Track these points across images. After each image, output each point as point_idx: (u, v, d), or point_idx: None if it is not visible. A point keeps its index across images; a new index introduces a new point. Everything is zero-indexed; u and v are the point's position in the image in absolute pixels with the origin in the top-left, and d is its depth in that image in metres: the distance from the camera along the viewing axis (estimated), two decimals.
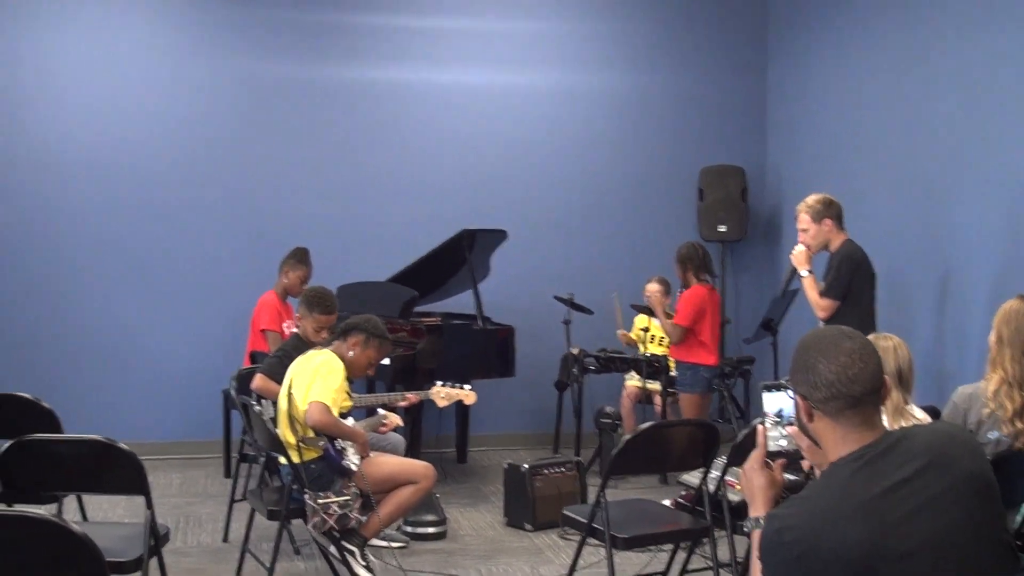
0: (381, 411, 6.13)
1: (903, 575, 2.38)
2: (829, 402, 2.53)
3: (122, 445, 4.22)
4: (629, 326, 8.70)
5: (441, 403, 6.21)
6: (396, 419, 6.10)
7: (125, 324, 8.57)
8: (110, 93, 8.56)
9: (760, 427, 2.86)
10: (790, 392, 2.70)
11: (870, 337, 4.40)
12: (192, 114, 8.72)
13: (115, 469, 4.27)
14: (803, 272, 6.33)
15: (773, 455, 2.83)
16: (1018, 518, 4.33)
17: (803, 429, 2.66)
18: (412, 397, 6.21)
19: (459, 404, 6.27)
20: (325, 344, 5.61)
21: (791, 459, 2.86)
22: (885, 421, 4.12)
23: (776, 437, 2.84)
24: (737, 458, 4.84)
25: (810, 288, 6.28)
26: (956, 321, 7.06)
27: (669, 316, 8.06)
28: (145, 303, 8.61)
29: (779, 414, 2.87)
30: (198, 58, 8.74)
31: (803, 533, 2.42)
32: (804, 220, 6.34)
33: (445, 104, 9.18)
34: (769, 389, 2.86)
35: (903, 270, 7.61)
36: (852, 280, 6.20)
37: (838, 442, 2.55)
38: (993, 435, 4.33)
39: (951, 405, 4.51)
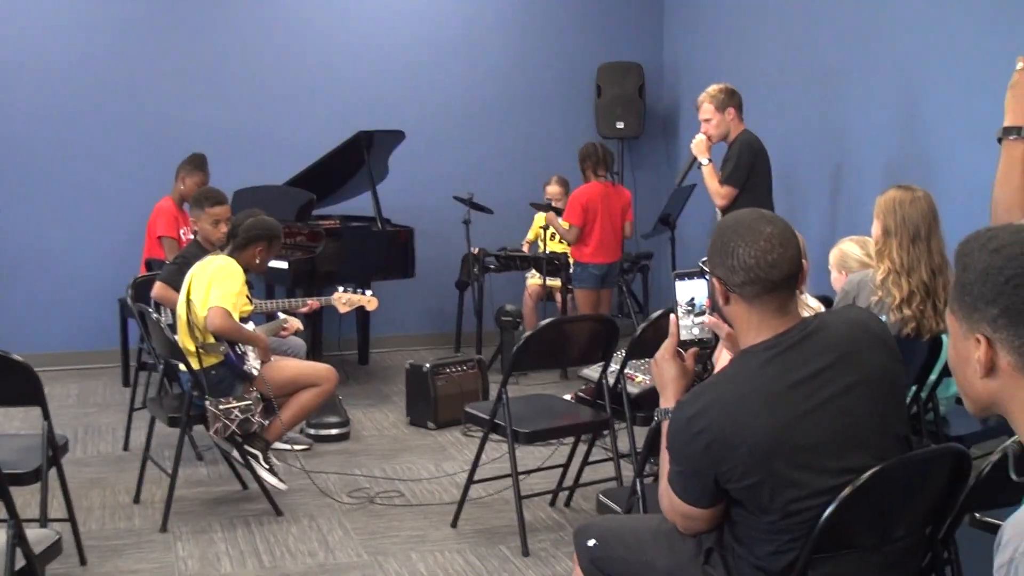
0: (281, 315, 6.10)
1: (804, 465, 2.44)
2: (746, 286, 2.53)
3: (16, 356, 4.14)
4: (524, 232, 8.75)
5: (343, 309, 6.20)
6: (296, 323, 6.07)
7: (17, 233, 8.35)
8: None
9: (672, 316, 2.83)
10: (707, 276, 2.69)
11: None
12: (82, 17, 8.42)
13: (9, 381, 4.19)
14: (703, 160, 6.38)
15: (685, 344, 2.82)
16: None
17: (718, 312, 2.66)
18: (313, 303, 6.18)
19: (361, 307, 6.27)
20: (222, 249, 5.53)
21: (703, 348, 2.87)
22: None
23: (688, 326, 2.81)
24: (636, 351, 4.91)
25: (710, 176, 6.34)
26: (848, 213, 7.21)
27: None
28: (38, 211, 8.39)
29: (691, 303, 2.82)
30: None
31: (712, 422, 2.45)
32: (707, 110, 6.37)
33: (338, 2, 9.01)
34: (681, 278, 2.82)
35: (798, 163, 7.72)
36: (751, 169, 6.27)
37: (752, 328, 2.57)
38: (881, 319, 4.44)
39: (842, 293, 4.61)
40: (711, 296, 2.69)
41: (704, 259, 2.69)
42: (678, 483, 2.58)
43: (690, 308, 2.82)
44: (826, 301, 4.77)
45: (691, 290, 2.82)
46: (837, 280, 4.84)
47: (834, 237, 7.25)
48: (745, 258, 2.52)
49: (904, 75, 6.74)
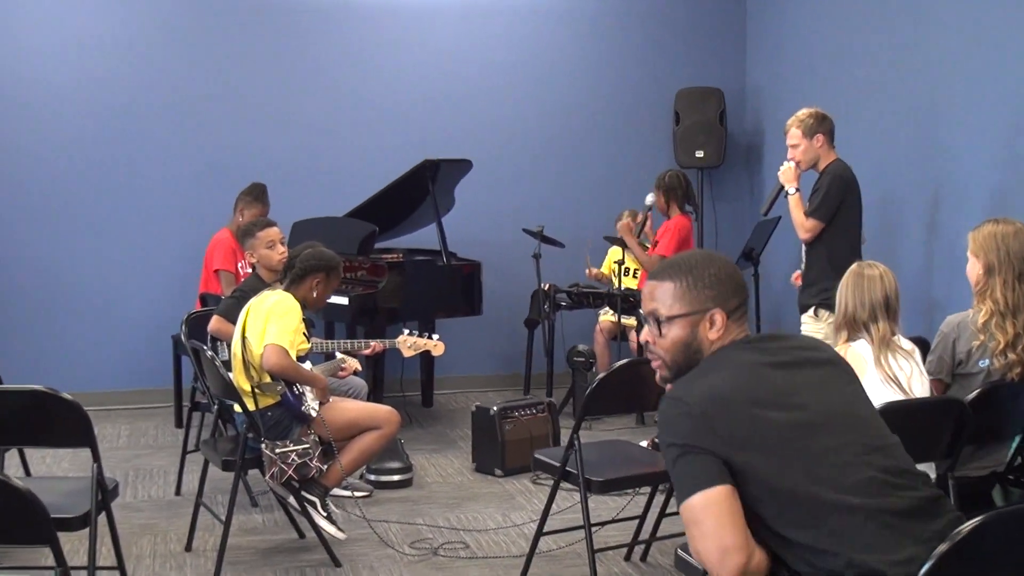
0: (339, 354, 6.13)
1: (801, 426, 2.61)
2: (740, 307, 2.84)
3: (65, 395, 4.19)
4: (599, 263, 8.74)
5: (407, 353, 6.22)
6: (355, 363, 6.11)
7: (67, 267, 8.50)
8: (44, 17, 8.41)
9: None
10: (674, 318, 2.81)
11: (855, 267, 4.44)
12: (138, 41, 8.56)
13: (59, 421, 4.23)
14: (790, 189, 6.32)
15: None
16: (1010, 450, 4.39)
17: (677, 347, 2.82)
18: (376, 345, 6.20)
19: (426, 349, 6.27)
20: (280, 283, 5.58)
21: None
22: (871, 352, 4.18)
23: None
24: None
25: (796, 207, 6.28)
26: (947, 248, 7.10)
27: (644, 247, 8.09)
28: (89, 244, 8.53)
29: None
30: None
31: (706, 391, 2.63)
32: (794, 135, 6.33)
33: (405, 27, 9.09)
34: None
35: (892, 194, 7.63)
36: (842, 201, 6.20)
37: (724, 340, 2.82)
38: (983, 363, 4.38)
39: (940, 335, 4.55)
40: (676, 341, 2.81)
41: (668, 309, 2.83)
42: (684, 473, 2.60)
43: None
44: (921, 343, 4.70)
45: None
46: (973, 266, 4.58)
47: (931, 274, 7.20)
48: (739, 280, 2.86)
49: (1009, 99, 6.64)
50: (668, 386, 2.90)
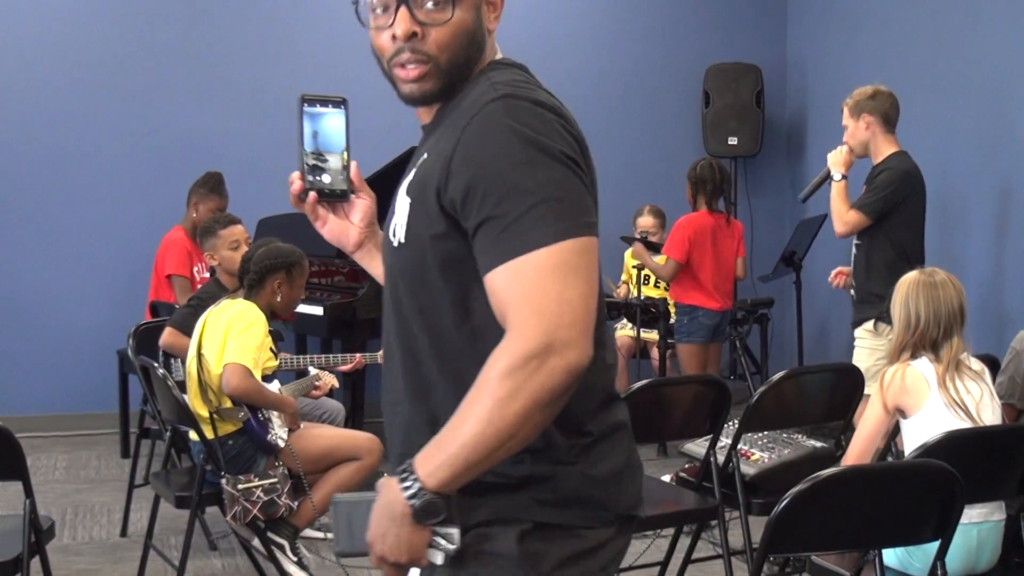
0: (312, 371, 6.12)
1: None
2: None
3: None
4: (615, 276, 8.73)
5: None
6: (331, 380, 6.09)
7: None
8: None
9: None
10: None
11: (919, 275, 4.39)
12: (76, 9, 8.58)
13: None
14: (836, 175, 6.32)
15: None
16: None
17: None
18: (358, 359, 6.19)
19: None
20: (241, 293, 5.57)
21: (335, 199, 2.76)
22: (935, 373, 4.15)
23: (312, 166, 2.64)
24: (753, 422, 4.87)
25: (838, 196, 6.27)
26: (1019, 252, 7.10)
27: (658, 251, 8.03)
28: (19, 245, 8.51)
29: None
30: None
31: (562, 109, 2.38)
32: (844, 115, 6.34)
33: None
34: (313, 104, 2.68)
35: (955, 188, 7.63)
36: (899, 203, 6.18)
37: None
38: None
39: (1011, 352, 4.55)
40: (461, 29, 2.53)
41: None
42: (573, 200, 2.18)
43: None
44: (990, 362, 4.69)
45: (327, 124, 2.70)
46: None
47: (1000, 282, 7.19)
48: None
49: None
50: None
